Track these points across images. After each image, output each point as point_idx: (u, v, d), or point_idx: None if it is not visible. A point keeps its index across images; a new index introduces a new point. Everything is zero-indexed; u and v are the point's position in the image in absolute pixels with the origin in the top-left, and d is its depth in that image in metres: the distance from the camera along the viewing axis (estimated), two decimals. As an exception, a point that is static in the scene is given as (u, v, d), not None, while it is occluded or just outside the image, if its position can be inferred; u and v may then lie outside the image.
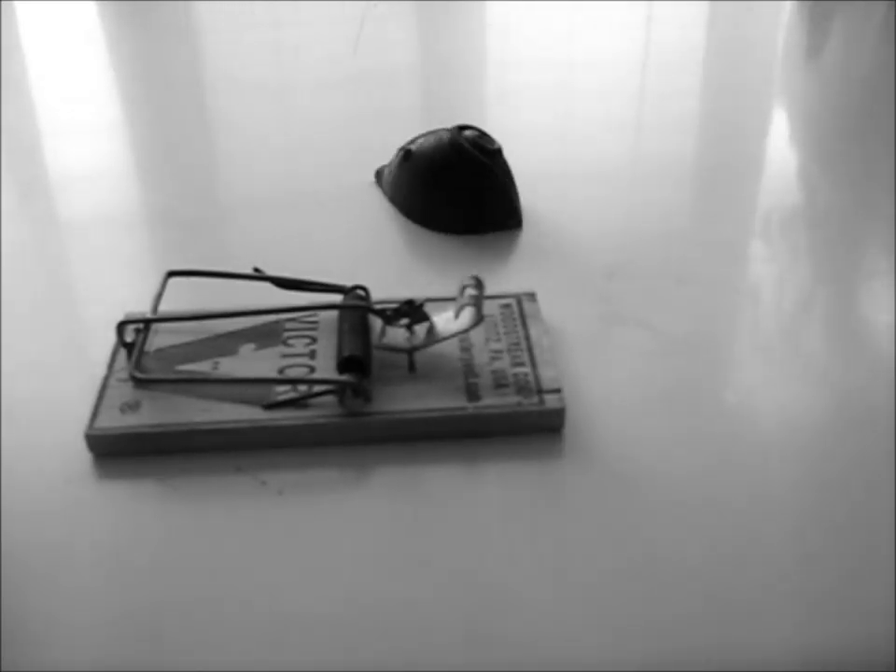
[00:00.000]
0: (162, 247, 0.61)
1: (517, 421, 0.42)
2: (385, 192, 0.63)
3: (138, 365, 0.45)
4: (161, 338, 0.47)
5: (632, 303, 0.51)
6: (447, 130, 0.59)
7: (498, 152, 0.59)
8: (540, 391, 0.43)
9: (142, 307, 0.47)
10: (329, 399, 0.43)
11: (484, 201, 0.59)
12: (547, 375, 0.44)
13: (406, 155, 0.60)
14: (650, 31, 0.98)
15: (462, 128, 0.60)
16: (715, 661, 0.33)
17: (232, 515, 0.39)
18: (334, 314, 0.48)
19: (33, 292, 0.55)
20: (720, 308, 0.52)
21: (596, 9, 1.01)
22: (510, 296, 0.50)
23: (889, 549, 0.37)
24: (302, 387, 0.43)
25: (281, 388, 0.44)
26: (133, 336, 0.46)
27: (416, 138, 0.62)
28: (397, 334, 0.45)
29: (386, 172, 0.64)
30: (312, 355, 0.46)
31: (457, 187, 0.59)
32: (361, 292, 0.49)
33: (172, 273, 0.49)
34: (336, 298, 0.48)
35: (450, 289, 0.47)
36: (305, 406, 0.43)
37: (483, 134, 0.60)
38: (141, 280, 0.53)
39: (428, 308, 0.45)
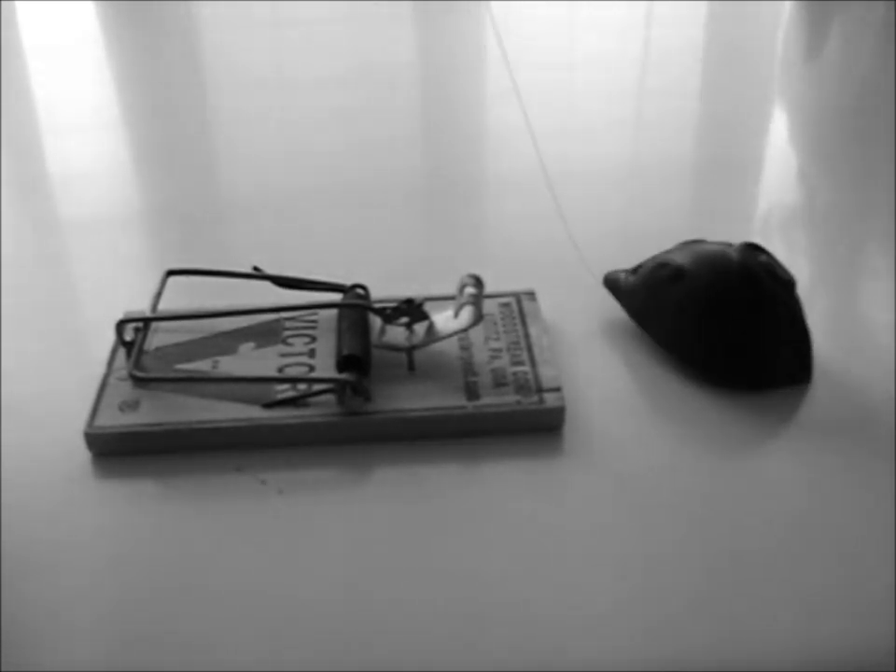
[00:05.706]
0: (162, 247, 0.61)
1: (517, 420, 0.42)
2: (624, 305, 0.50)
3: (137, 364, 0.45)
4: (160, 337, 0.47)
5: (632, 303, 0.51)
6: (733, 249, 0.46)
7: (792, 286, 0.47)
8: (540, 390, 0.43)
9: (141, 306, 0.47)
10: (329, 397, 0.43)
11: (779, 351, 0.45)
12: (546, 374, 0.44)
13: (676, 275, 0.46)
14: (650, 30, 0.98)
15: (752, 247, 0.47)
16: (714, 661, 0.33)
17: (232, 515, 0.39)
18: (334, 312, 0.48)
19: (32, 291, 0.55)
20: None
21: (596, 9, 1.01)
22: (509, 294, 0.50)
23: (888, 549, 0.36)
24: (302, 386, 0.43)
25: (280, 387, 0.44)
26: (133, 335, 0.46)
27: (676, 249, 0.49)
28: (396, 333, 0.45)
29: (631, 282, 0.49)
30: (311, 353, 0.46)
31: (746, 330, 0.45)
32: (361, 291, 0.49)
33: (171, 272, 0.49)
34: (335, 296, 0.48)
35: (449, 288, 0.47)
36: (305, 405, 0.43)
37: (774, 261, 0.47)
38: (141, 279, 0.53)
39: (428, 307, 0.45)
